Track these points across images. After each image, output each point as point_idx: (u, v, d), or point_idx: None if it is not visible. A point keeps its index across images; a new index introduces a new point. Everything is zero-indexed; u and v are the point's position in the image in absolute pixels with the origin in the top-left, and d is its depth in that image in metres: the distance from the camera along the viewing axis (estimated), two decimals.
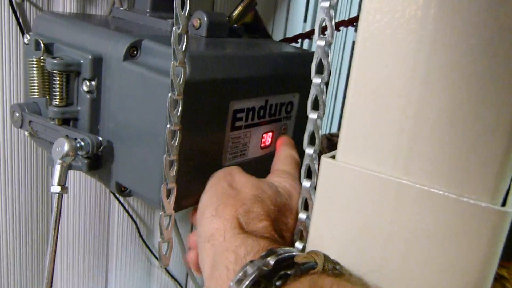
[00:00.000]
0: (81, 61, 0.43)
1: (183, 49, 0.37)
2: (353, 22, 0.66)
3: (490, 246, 0.26)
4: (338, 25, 0.67)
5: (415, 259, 0.29)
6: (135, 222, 0.82)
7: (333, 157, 0.31)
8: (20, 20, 0.57)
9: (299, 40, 0.73)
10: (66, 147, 0.39)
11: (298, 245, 0.37)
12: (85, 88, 0.44)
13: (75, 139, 0.41)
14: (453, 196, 0.27)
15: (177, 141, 0.39)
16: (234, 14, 0.56)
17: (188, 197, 0.44)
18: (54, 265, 0.41)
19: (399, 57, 0.28)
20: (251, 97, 0.48)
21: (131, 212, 0.81)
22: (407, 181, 0.28)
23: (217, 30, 0.53)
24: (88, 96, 0.44)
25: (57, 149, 0.40)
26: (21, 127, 0.49)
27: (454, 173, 0.27)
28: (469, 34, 0.26)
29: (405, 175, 0.28)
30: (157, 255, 0.88)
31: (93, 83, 0.44)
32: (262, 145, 0.52)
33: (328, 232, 0.32)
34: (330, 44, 0.33)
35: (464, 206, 0.26)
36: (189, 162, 0.43)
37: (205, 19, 0.52)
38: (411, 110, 0.28)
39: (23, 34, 0.57)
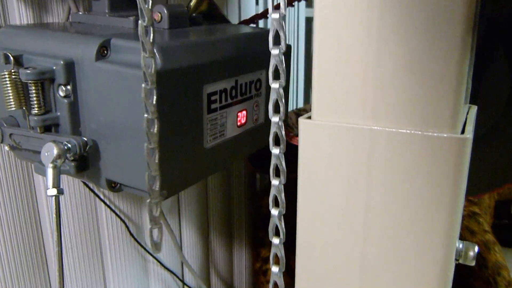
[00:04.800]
0: (54, 67, 0.44)
1: (151, 40, 0.39)
2: None
3: (457, 171, 0.30)
4: (291, 1, 0.70)
5: (395, 198, 0.32)
6: (123, 221, 0.83)
7: (309, 118, 0.34)
8: None
9: (255, 21, 0.76)
10: (55, 151, 0.41)
11: (274, 212, 0.38)
12: (61, 93, 0.45)
13: (62, 142, 0.43)
14: (418, 132, 0.30)
15: (155, 129, 0.41)
16: (191, 4, 0.58)
17: (174, 183, 0.46)
18: (62, 267, 0.43)
19: (355, 17, 0.31)
20: (222, 79, 0.50)
21: (118, 212, 0.83)
22: (377, 127, 0.31)
23: (178, 21, 0.55)
24: (65, 100, 0.45)
25: (46, 154, 0.41)
26: (1, 142, 0.50)
27: (416, 112, 0.30)
28: None
29: (374, 122, 0.31)
30: (150, 251, 0.90)
31: (68, 87, 0.45)
32: (238, 123, 0.54)
33: (315, 189, 0.35)
34: (284, 16, 0.36)
35: (429, 139, 0.30)
36: (171, 148, 0.45)
37: (165, 12, 0.53)
38: (372, 63, 0.31)
39: None
